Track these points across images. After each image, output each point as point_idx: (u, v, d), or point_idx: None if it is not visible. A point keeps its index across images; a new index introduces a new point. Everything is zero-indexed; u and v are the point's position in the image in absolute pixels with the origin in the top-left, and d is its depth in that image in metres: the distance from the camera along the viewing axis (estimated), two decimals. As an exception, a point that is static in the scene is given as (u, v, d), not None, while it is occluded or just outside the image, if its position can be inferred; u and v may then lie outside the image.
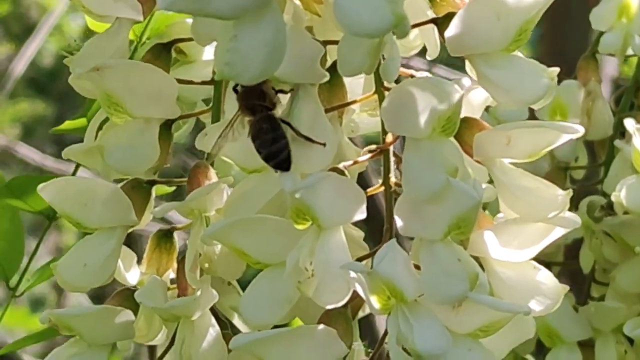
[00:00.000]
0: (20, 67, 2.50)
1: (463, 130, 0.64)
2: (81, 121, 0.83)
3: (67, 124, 0.84)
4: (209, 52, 0.78)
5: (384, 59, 0.60)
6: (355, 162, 0.64)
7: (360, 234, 0.67)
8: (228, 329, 0.67)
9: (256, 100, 0.61)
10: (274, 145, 0.60)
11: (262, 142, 0.61)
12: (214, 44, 0.69)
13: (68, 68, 0.67)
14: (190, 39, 0.70)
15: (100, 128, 0.69)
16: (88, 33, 0.76)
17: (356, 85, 0.68)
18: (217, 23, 0.52)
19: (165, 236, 0.70)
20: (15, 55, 2.54)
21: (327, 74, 0.63)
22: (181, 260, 0.67)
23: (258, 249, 0.62)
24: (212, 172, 0.66)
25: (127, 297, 0.67)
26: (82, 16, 0.73)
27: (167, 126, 0.67)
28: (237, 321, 0.70)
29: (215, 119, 0.68)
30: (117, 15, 0.68)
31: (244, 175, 0.67)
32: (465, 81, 0.62)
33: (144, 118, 0.65)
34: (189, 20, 0.73)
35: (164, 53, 0.70)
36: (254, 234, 0.62)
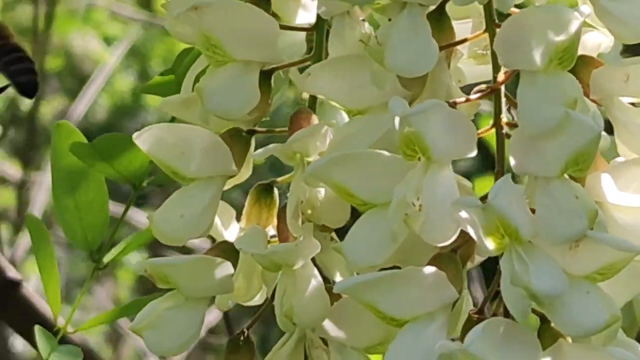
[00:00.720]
0: (72, 121, 2.53)
1: (579, 67, 0.60)
2: (169, 77, 0.80)
3: (156, 79, 0.82)
4: (301, 15, 0.75)
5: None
6: (467, 100, 0.61)
7: (468, 184, 0.64)
8: (330, 283, 0.64)
9: None
10: None
11: None
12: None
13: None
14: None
15: (197, 80, 0.67)
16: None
17: (463, 31, 0.65)
18: None
19: (265, 190, 0.67)
20: (68, 110, 2.57)
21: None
22: (282, 211, 0.64)
23: (364, 187, 0.59)
24: (315, 118, 0.64)
25: (226, 250, 0.64)
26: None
27: (266, 75, 0.65)
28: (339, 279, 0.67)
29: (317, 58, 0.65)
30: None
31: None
32: (584, 9, 0.58)
33: (244, 61, 0.63)
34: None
35: (264, -2, 0.67)
36: (360, 170, 0.59)
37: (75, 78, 3.32)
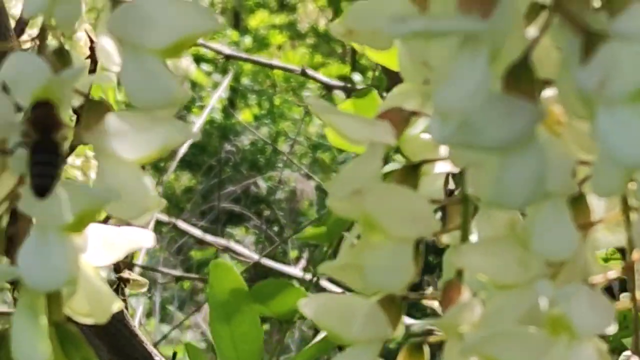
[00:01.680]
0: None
1: None
2: (321, 229, 0.89)
3: (308, 232, 0.90)
4: (439, 166, 0.82)
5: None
6: (605, 279, 0.67)
7: (604, 346, 0.70)
8: None
9: None
10: None
11: None
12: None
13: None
14: (435, 160, 0.75)
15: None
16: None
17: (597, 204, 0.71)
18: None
19: (417, 347, 0.74)
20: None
21: (577, 186, 0.66)
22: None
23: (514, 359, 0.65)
24: (464, 288, 0.70)
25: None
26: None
27: (417, 245, 0.72)
28: None
29: (464, 234, 0.72)
30: (372, 140, 0.73)
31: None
32: None
33: (400, 237, 0.70)
34: (425, 136, 0.78)
35: (413, 173, 0.75)
36: (511, 345, 0.65)
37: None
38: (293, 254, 4.97)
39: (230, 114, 5.49)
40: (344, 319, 0.71)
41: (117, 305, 0.67)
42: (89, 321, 0.67)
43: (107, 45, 0.71)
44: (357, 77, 4.98)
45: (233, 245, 3.67)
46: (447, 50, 0.58)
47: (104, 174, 0.64)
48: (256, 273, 3.32)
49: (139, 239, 0.68)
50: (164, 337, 3.56)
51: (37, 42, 0.67)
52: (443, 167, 0.81)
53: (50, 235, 0.60)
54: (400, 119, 0.73)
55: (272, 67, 4.19)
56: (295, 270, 3.60)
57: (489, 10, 0.56)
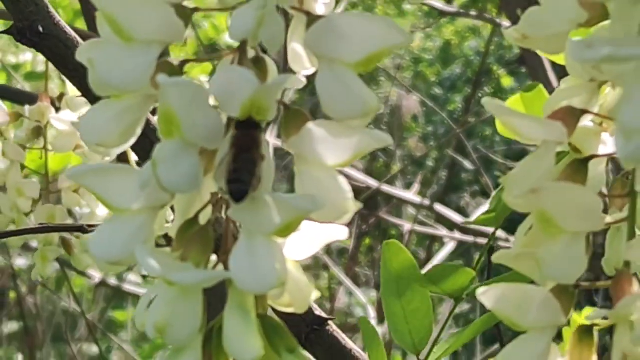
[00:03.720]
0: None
1: None
2: (490, 216, 0.94)
3: (479, 218, 0.96)
4: (602, 148, 0.86)
5: None
6: None
7: None
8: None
9: None
10: None
11: None
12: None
13: None
14: (604, 155, 0.80)
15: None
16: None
17: None
18: None
19: (587, 332, 0.79)
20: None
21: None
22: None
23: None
24: (635, 280, 0.75)
25: None
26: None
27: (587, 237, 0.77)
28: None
29: (631, 229, 0.76)
30: (546, 139, 0.77)
31: None
32: None
33: (573, 232, 0.75)
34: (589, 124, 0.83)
35: (582, 167, 0.79)
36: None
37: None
38: (395, 167, 5.02)
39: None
40: (520, 307, 0.76)
41: (315, 294, 0.74)
42: (289, 310, 0.74)
43: (298, 49, 0.77)
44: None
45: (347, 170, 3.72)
46: (632, 65, 0.61)
47: (306, 180, 0.69)
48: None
49: (335, 233, 0.73)
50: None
51: (238, 54, 0.72)
52: (605, 150, 0.85)
53: (259, 241, 0.66)
54: (571, 118, 0.78)
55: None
56: (410, 195, 3.65)
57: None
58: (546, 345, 0.76)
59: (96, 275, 3.57)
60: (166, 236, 0.75)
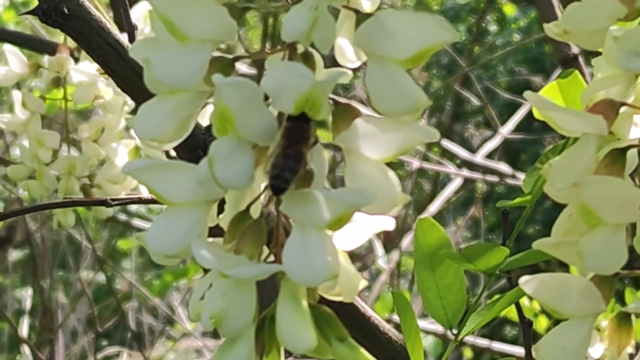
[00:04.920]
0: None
1: None
2: (527, 198, 0.96)
3: (515, 200, 0.98)
4: (635, 131, 0.87)
5: None
6: None
7: None
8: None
9: None
10: None
11: None
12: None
13: None
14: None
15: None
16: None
17: None
18: None
19: (625, 317, 0.81)
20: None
21: None
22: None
23: None
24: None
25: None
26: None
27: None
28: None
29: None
30: (586, 131, 0.79)
31: None
32: None
33: (615, 224, 0.76)
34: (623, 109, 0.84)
35: (621, 157, 0.81)
36: None
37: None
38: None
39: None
40: (561, 296, 0.78)
41: (363, 283, 0.76)
42: (337, 299, 0.76)
43: (343, 44, 0.79)
44: None
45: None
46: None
47: (357, 174, 0.71)
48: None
49: (382, 224, 0.75)
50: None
51: (288, 50, 0.74)
52: (637, 133, 0.86)
53: (311, 234, 0.68)
54: (611, 111, 0.79)
55: None
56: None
57: None
58: (587, 333, 0.78)
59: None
60: (216, 227, 0.76)
